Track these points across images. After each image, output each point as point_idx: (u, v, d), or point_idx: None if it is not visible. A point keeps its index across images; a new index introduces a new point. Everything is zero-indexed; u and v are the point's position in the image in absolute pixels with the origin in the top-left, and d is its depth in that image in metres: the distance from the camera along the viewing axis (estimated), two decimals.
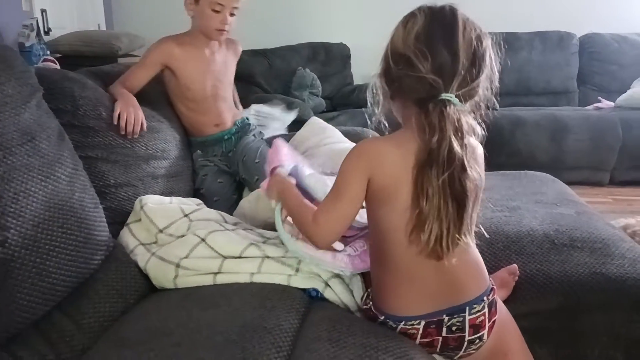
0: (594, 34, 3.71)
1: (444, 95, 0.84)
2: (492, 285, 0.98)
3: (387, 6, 3.80)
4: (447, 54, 0.83)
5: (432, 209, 0.83)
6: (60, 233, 0.96)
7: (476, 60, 0.85)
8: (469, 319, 0.93)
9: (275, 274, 1.09)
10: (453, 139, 0.82)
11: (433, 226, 0.83)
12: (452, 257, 0.88)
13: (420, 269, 0.92)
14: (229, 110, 1.81)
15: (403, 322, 0.94)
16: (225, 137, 1.80)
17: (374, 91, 0.96)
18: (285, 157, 1.23)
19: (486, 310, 0.94)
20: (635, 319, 1.13)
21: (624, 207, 2.76)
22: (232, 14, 1.67)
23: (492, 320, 0.96)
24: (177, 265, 1.13)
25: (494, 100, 0.92)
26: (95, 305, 1.01)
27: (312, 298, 1.10)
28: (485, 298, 0.94)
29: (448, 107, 0.83)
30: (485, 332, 0.95)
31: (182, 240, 1.20)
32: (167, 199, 1.38)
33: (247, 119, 1.89)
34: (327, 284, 1.11)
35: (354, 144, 1.86)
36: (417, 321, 0.94)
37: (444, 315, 0.92)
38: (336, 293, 1.10)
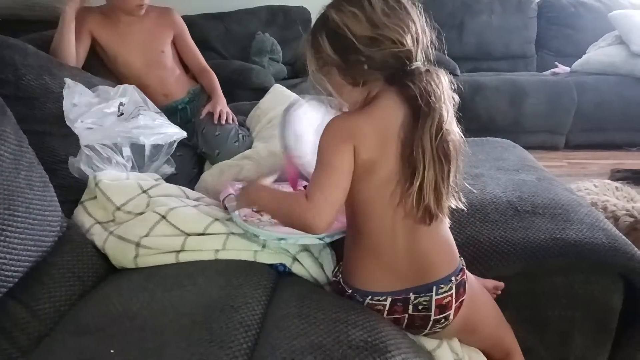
0: None
1: (416, 64, 0.85)
2: (462, 265, 0.99)
3: None
4: (414, 24, 0.85)
5: (429, 172, 0.84)
6: (7, 215, 0.89)
7: (423, 27, 0.88)
8: (436, 299, 0.93)
9: (241, 250, 1.06)
10: (444, 101, 0.84)
11: (430, 190, 0.85)
12: (440, 224, 0.92)
13: (390, 244, 0.91)
14: (172, 79, 1.74)
15: (369, 297, 0.94)
16: (179, 106, 1.73)
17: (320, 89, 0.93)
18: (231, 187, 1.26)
19: (453, 291, 0.94)
20: (592, 281, 1.17)
21: (578, 171, 2.86)
22: None
23: (460, 300, 0.96)
24: (137, 244, 1.08)
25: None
26: (49, 290, 0.96)
27: (280, 273, 1.09)
28: (453, 278, 0.94)
29: (434, 73, 0.85)
30: (451, 312, 0.95)
31: (141, 218, 1.15)
32: (123, 174, 1.32)
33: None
34: (295, 259, 1.09)
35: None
36: (384, 297, 0.93)
37: (411, 294, 0.92)
38: (305, 267, 1.08)
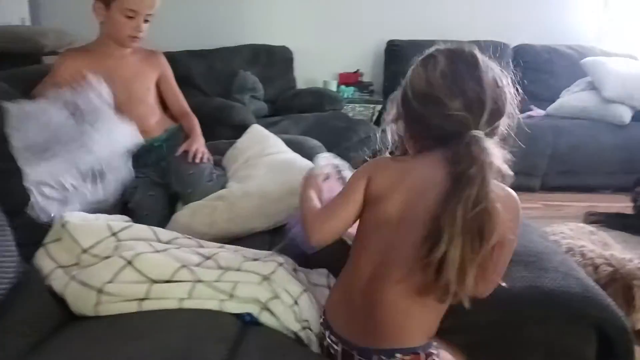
0: (526, 44, 3.86)
1: (474, 132, 0.82)
2: (423, 352, 0.89)
3: (329, 10, 3.81)
4: (474, 91, 0.84)
5: (455, 248, 0.76)
6: None
7: (500, 97, 0.86)
8: None
9: (206, 300, 1.02)
10: (487, 172, 0.78)
11: (454, 266, 0.77)
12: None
13: (356, 277, 0.93)
14: (153, 116, 1.74)
15: (328, 333, 0.95)
16: (155, 144, 1.71)
17: (391, 136, 0.99)
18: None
19: None
20: (567, 331, 1.15)
21: (554, 213, 2.88)
22: (146, 21, 1.61)
23: None
24: (100, 291, 1.03)
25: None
26: (0, 341, 0.90)
27: (247, 323, 1.04)
28: (399, 355, 0.87)
29: (481, 142, 0.80)
30: None
31: (107, 262, 1.10)
32: (92, 215, 1.28)
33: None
34: (265, 307, 1.05)
35: (296, 155, 1.83)
36: (336, 340, 0.93)
37: (355, 352, 0.90)
38: (276, 315, 1.05)
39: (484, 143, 0.81)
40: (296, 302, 1.07)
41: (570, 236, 2.08)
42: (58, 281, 1.09)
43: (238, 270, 1.09)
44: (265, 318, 1.04)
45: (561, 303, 1.14)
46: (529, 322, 1.14)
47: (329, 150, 1.79)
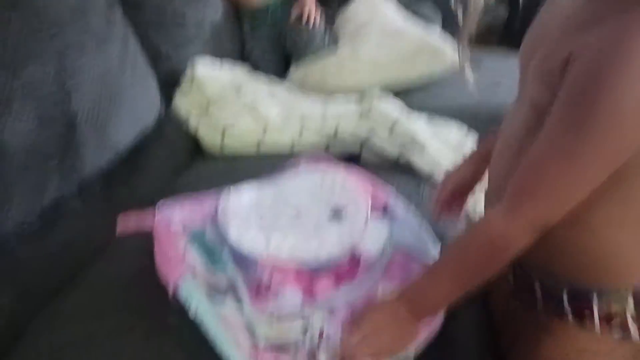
0: None
1: None
2: None
3: None
4: None
5: None
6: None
7: None
8: None
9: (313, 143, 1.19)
10: None
11: None
12: None
13: None
14: None
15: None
16: (270, 8, 1.75)
17: None
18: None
19: None
20: None
21: None
22: None
23: None
24: (223, 133, 1.22)
25: None
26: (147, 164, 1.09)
27: None
28: None
29: None
30: None
31: (229, 109, 1.26)
32: (217, 64, 1.39)
33: None
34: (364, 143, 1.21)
35: (409, 24, 1.79)
36: None
37: None
38: (376, 146, 1.15)
39: None
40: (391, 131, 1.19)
41: None
42: (192, 121, 1.26)
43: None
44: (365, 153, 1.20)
45: None
46: None
47: None
